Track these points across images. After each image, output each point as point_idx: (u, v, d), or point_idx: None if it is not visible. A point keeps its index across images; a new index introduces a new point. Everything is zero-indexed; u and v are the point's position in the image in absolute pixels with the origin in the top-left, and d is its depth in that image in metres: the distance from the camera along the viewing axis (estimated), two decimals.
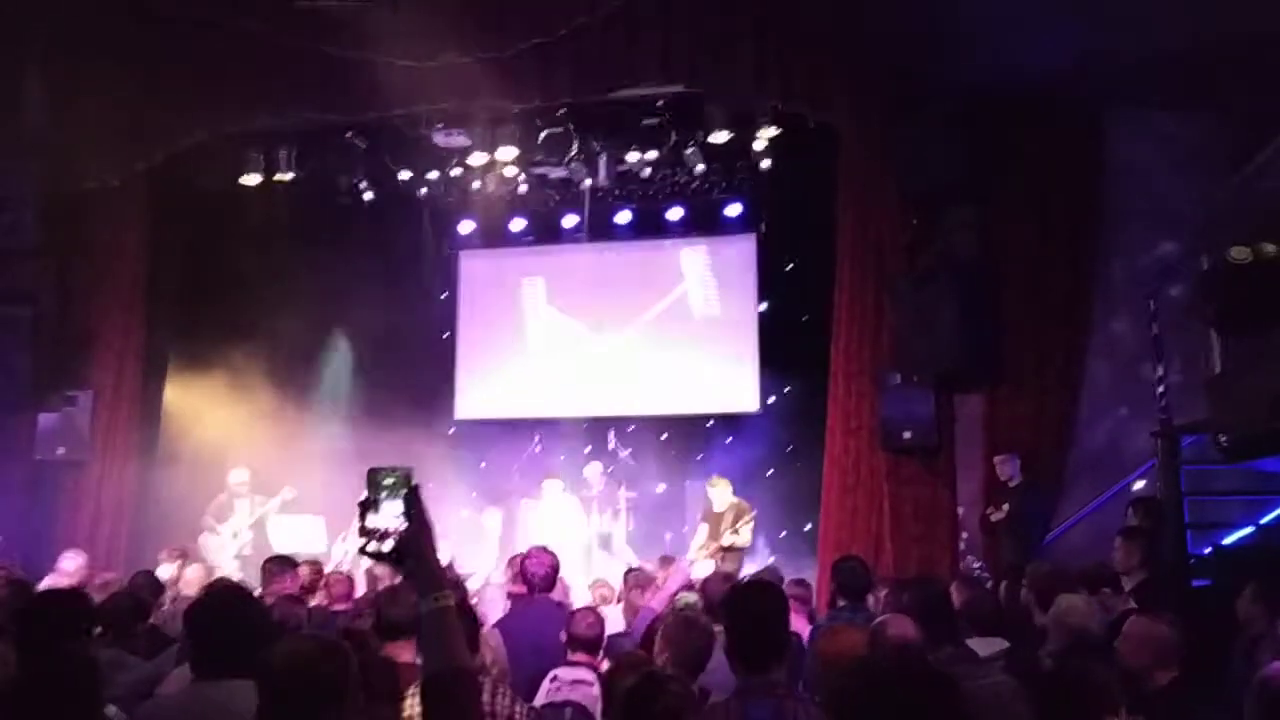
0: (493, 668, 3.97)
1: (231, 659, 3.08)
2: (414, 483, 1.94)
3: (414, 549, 1.92)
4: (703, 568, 8.81)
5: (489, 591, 6.18)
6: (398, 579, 3.22)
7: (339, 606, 5.88)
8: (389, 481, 1.93)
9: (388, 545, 1.91)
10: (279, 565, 5.92)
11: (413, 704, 3.08)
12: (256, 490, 10.14)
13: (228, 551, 9.68)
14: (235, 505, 10.00)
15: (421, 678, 1.95)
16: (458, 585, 5.69)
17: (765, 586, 3.91)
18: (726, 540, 9.39)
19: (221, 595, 3.77)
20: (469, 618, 3.68)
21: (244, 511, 9.99)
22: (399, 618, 3.99)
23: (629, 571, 6.99)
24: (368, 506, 1.92)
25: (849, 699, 1.57)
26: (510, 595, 6.33)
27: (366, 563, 6.99)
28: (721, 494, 9.66)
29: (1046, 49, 7.57)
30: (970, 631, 4.81)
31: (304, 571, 6.41)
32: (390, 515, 1.91)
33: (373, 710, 2.49)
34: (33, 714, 2.71)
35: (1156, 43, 7.27)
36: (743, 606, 3.35)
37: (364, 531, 1.92)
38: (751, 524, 9.48)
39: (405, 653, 3.95)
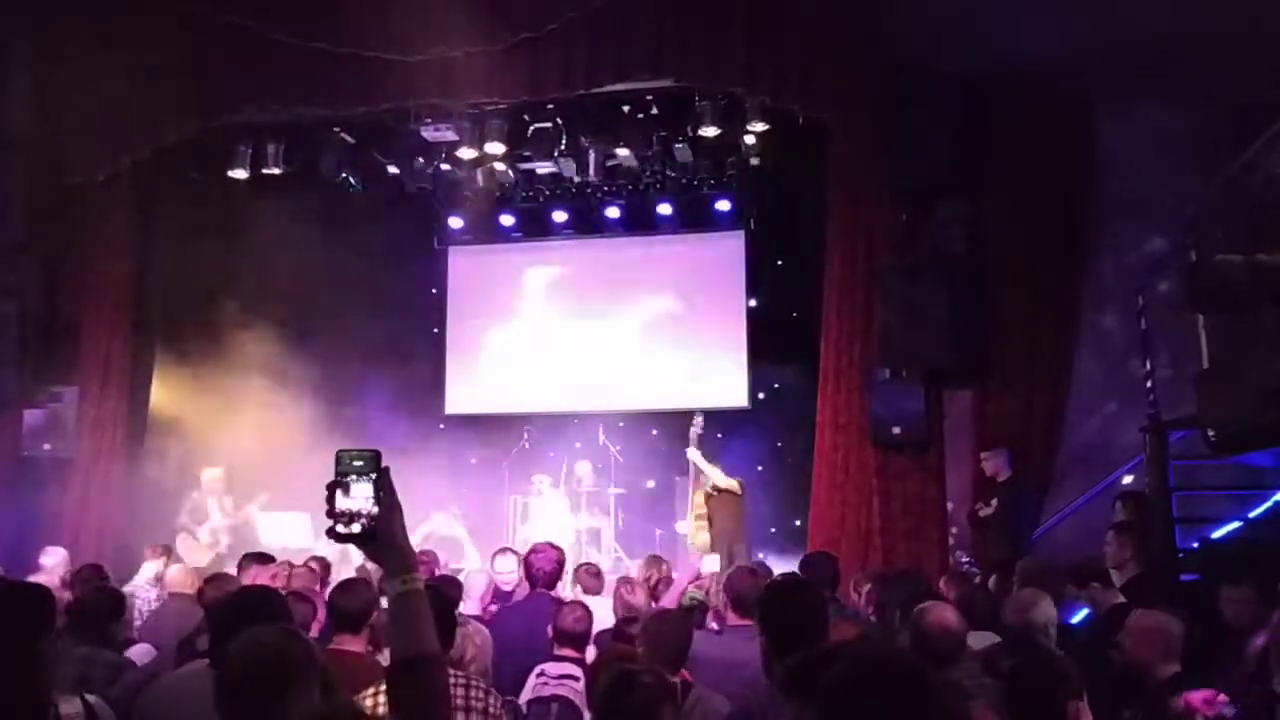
0: (471, 663, 3.94)
1: None
2: (383, 464, 1.93)
3: (383, 531, 1.90)
4: (711, 561, 8.80)
5: (473, 577, 6.14)
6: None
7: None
8: (358, 463, 1.92)
9: (356, 527, 1.89)
10: (255, 562, 5.90)
11: (375, 700, 3.06)
12: (236, 487, 10.10)
13: (205, 555, 9.61)
14: (209, 505, 9.95)
15: (389, 662, 1.92)
16: (453, 582, 5.66)
17: (800, 586, 3.88)
18: (723, 482, 9.48)
19: (257, 596, 3.76)
20: (448, 613, 3.66)
21: (217, 511, 9.94)
22: (350, 608, 3.99)
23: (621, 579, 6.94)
24: (336, 489, 1.90)
25: (835, 692, 1.55)
26: (497, 589, 6.30)
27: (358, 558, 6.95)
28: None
29: (1037, 43, 7.55)
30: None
31: (284, 568, 6.39)
32: (360, 497, 1.90)
33: (330, 699, 2.46)
34: None
35: (1146, 36, 7.26)
36: (780, 608, 3.35)
37: (332, 514, 1.90)
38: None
39: (355, 644, 3.94)
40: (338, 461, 1.92)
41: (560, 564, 5.75)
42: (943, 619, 3.74)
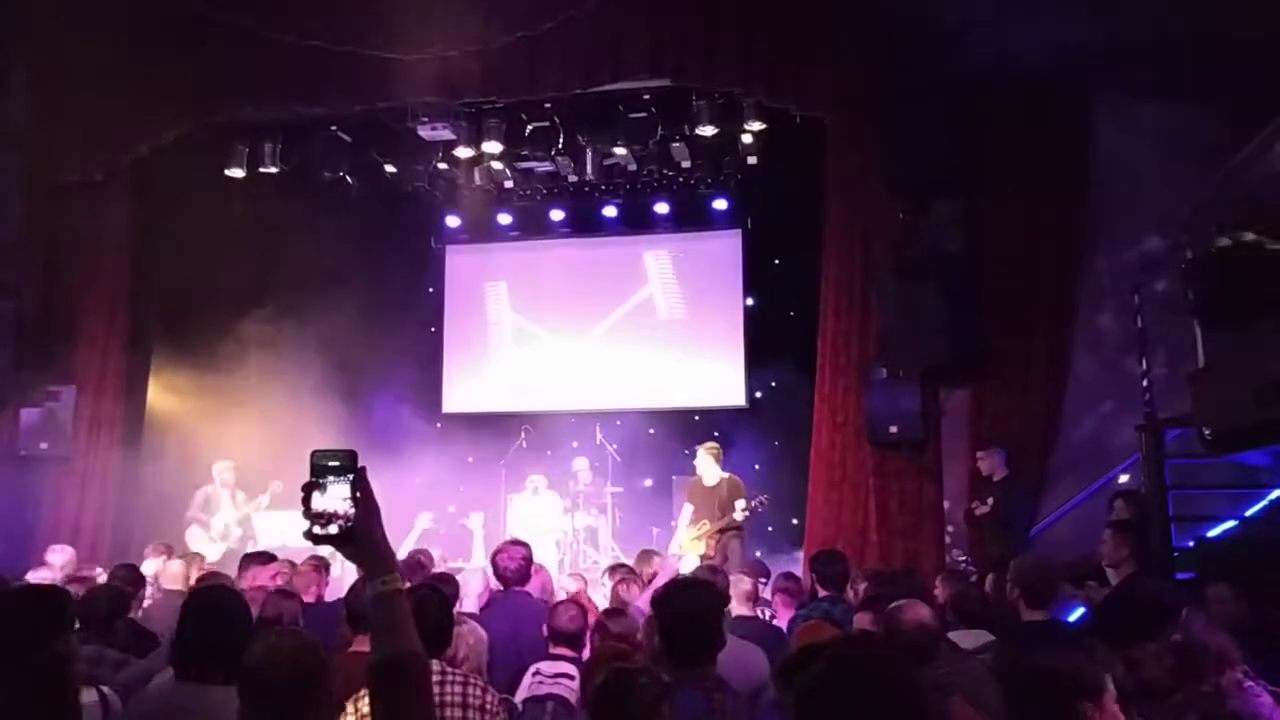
0: (464, 662, 3.95)
1: (212, 660, 3.08)
2: (360, 464, 1.90)
3: (361, 532, 1.88)
4: (690, 562, 8.78)
5: (470, 576, 6.15)
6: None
7: (307, 599, 5.81)
8: (334, 464, 1.89)
9: (333, 528, 1.86)
10: (257, 560, 5.88)
11: (364, 702, 3.05)
12: (241, 483, 10.12)
13: (216, 547, 9.66)
14: (221, 498, 9.97)
15: (369, 663, 1.90)
16: (448, 580, 5.67)
17: (698, 584, 3.89)
18: (722, 523, 9.14)
19: (208, 595, 3.74)
20: (445, 610, 3.67)
21: (229, 505, 9.96)
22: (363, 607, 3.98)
23: (614, 568, 6.94)
24: (313, 489, 1.88)
25: (814, 688, 1.55)
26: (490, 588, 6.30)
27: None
28: (711, 463, 9.43)
29: (1033, 42, 7.56)
30: (957, 624, 4.83)
31: (285, 567, 6.38)
32: (337, 498, 1.87)
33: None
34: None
35: (1142, 36, 7.27)
36: (675, 605, 3.35)
37: (309, 515, 1.87)
38: (746, 502, 9.18)
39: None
40: (313, 462, 1.90)
41: (527, 561, 5.78)
42: (918, 615, 3.76)
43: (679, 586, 3.63)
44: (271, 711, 2.43)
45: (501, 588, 5.89)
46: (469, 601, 5.86)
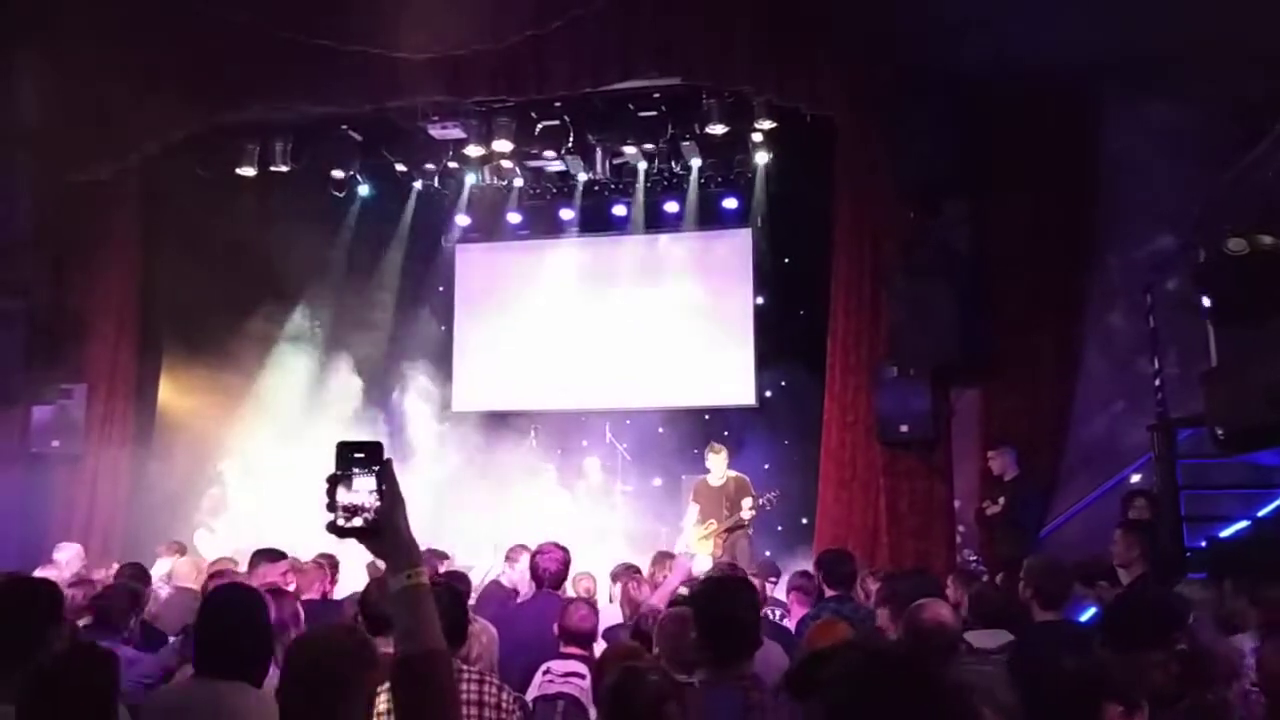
0: (477, 661, 3.95)
1: (229, 657, 3.09)
2: (386, 457, 1.86)
3: (387, 525, 1.84)
4: (703, 562, 8.78)
5: (523, 575, 6.18)
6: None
7: (308, 596, 5.81)
8: (359, 455, 1.85)
9: (358, 521, 1.82)
10: (265, 559, 5.90)
11: (384, 699, 3.03)
12: (249, 483, 10.12)
13: (224, 550, 9.65)
14: (228, 498, 9.98)
15: (394, 659, 1.86)
16: (462, 579, 5.68)
17: (737, 582, 3.88)
18: (730, 522, 9.20)
19: (225, 594, 3.74)
20: (460, 609, 3.67)
21: (236, 504, 9.96)
22: (382, 608, 3.97)
23: (622, 569, 6.92)
24: (338, 481, 1.84)
25: (843, 688, 1.54)
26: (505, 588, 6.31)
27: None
28: (720, 463, 9.49)
29: (1042, 41, 7.55)
30: (976, 624, 4.81)
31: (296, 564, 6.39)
32: (363, 490, 1.83)
33: None
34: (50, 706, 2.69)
35: (1152, 34, 7.25)
36: (715, 604, 3.34)
37: (333, 508, 1.83)
38: (753, 500, 9.24)
39: (383, 645, 3.92)
40: (338, 453, 1.85)
41: (566, 564, 5.78)
42: (938, 615, 3.74)
43: (719, 586, 3.61)
44: (311, 703, 2.44)
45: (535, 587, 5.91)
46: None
